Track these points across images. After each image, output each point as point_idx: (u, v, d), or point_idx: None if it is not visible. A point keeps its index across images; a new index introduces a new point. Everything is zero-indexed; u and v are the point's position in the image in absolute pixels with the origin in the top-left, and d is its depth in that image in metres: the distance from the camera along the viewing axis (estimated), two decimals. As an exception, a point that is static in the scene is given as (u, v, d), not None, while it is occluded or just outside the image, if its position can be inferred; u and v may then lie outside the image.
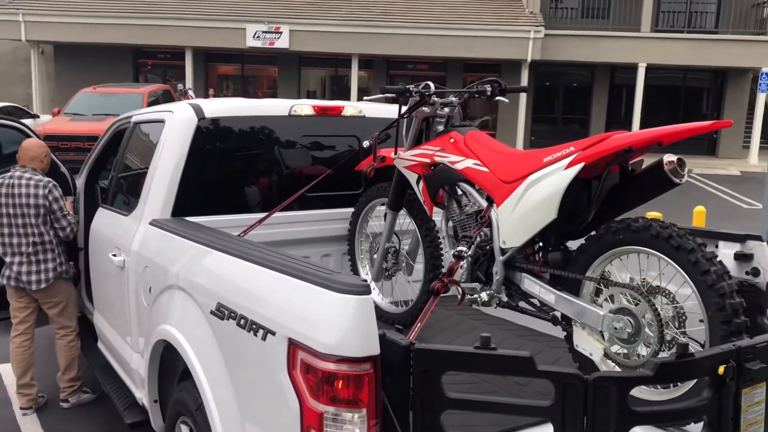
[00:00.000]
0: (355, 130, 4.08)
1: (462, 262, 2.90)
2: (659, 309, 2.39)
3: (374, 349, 1.93)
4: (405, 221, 3.71)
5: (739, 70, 22.95)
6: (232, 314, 2.43)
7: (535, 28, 21.17)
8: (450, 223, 3.26)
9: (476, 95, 3.38)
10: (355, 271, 3.98)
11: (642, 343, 2.42)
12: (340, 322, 1.93)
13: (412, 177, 3.31)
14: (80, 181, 5.15)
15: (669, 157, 2.51)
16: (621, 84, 24.09)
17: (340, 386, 1.92)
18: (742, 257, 2.90)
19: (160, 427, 3.40)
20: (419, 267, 3.61)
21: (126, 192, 4.11)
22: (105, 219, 4.27)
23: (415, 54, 21.94)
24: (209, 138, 3.68)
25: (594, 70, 23.96)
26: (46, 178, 4.40)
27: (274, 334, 2.16)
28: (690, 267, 2.30)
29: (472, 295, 2.94)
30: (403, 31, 21.35)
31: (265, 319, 2.22)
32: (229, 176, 3.77)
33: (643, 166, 2.63)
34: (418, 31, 21.35)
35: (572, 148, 2.60)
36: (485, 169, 2.95)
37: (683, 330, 2.43)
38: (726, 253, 2.95)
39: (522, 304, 2.91)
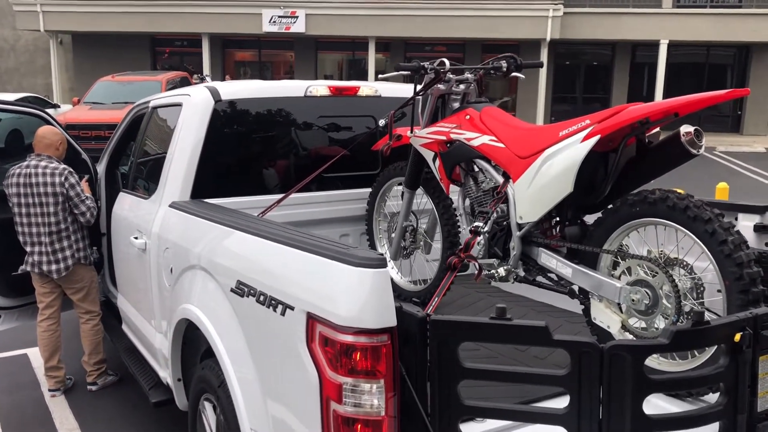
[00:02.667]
0: (371, 110, 4.09)
1: (479, 238, 2.91)
2: (677, 280, 2.39)
3: (391, 321, 1.95)
4: (422, 201, 3.72)
5: (764, 45, 22.54)
6: (252, 291, 2.46)
7: (554, 6, 20.94)
8: (467, 201, 3.27)
9: (492, 71, 3.37)
10: (374, 250, 4.00)
11: (660, 315, 2.42)
12: (357, 295, 1.96)
13: (428, 155, 3.32)
14: (101, 167, 5.22)
15: (686, 128, 2.49)
16: (642, 62, 23.78)
17: (358, 358, 1.95)
18: (762, 228, 2.88)
19: (185, 404, 3.47)
20: (437, 246, 3.63)
21: (146, 176, 4.17)
22: (126, 203, 4.33)
23: (432, 35, 21.81)
24: (226, 120, 3.71)
25: (614, 48, 23.67)
26: (62, 165, 4.45)
27: (293, 308, 2.19)
28: (707, 237, 2.29)
29: (489, 270, 2.95)
30: (420, 12, 21.23)
31: (283, 294, 2.25)
32: (246, 158, 3.81)
33: (660, 139, 2.62)
34: (436, 12, 21.21)
35: (588, 121, 2.60)
36: (501, 144, 2.94)
37: (701, 301, 2.42)
38: (746, 225, 2.93)
39: (539, 279, 2.92)
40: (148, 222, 3.67)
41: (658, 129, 2.67)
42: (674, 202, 2.38)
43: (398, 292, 3.87)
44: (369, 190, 3.98)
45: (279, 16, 21.63)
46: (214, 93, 3.67)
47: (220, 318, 2.71)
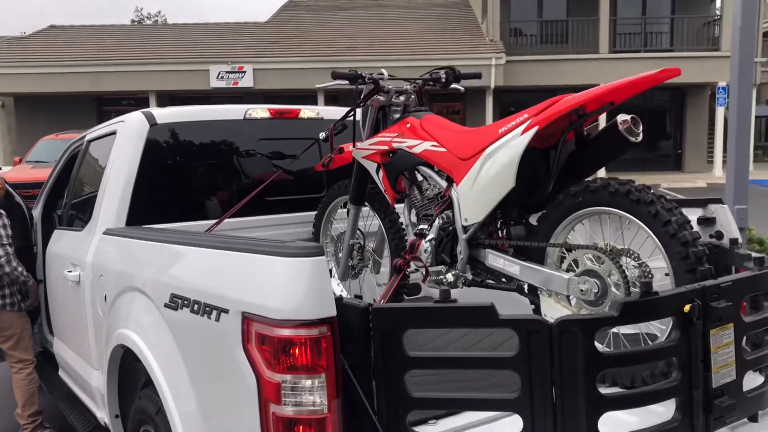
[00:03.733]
0: (313, 133, 4.02)
1: (423, 241, 2.84)
2: (624, 267, 2.35)
3: (330, 311, 1.84)
4: (369, 222, 3.64)
5: (697, 87, 23.53)
6: (185, 302, 2.33)
7: (496, 55, 21.53)
8: (413, 211, 3.21)
9: (431, 83, 3.36)
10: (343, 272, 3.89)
11: (609, 305, 2.37)
12: (293, 287, 1.85)
13: (371, 166, 3.26)
14: (37, 211, 5.01)
15: (623, 117, 2.50)
16: (584, 107, 24.46)
17: (297, 353, 1.83)
18: (705, 221, 2.88)
19: (123, 443, 3.25)
20: (386, 270, 3.54)
21: (81, 210, 4.00)
22: (60, 240, 4.14)
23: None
24: (162, 144, 3.61)
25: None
26: None
27: (227, 312, 2.07)
28: (650, 219, 2.27)
29: (437, 276, 2.88)
30: (367, 64, 21.56)
31: (216, 298, 2.13)
32: (184, 183, 3.69)
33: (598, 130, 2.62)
34: (382, 63, 21.52)
35: (526, 115, 2.58)
36: (442, 149, 2.91)
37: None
38: (689, 218, 2.92)
39: (489, 281, 2.85)
40: (82, 252, 3.50)
41: (597, 122, 2.67)
42: (616, 188, 2.36)
43: None
44: (315, 212, 3.89)
45: (227, 72, 21.70)
46: (149, 117, 3.58)
47: (154, 336, 2.56)
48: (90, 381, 3.52)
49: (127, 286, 2.86)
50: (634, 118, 2.50)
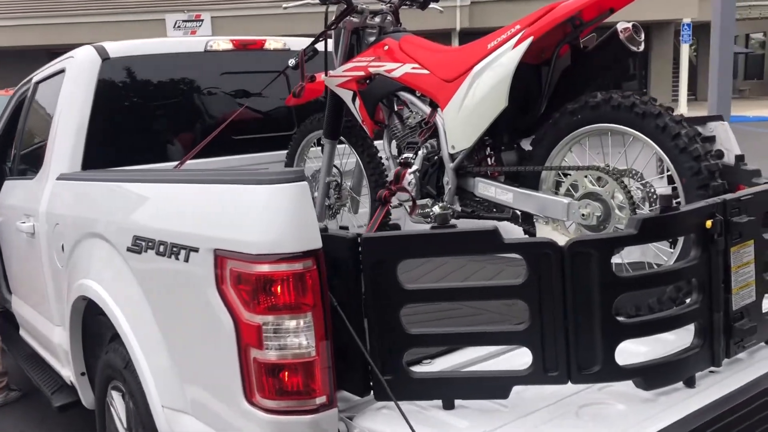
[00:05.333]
0: (280, 66, 3.74)
1: (409, 170, 2.62)
2: (629, 186, 2.17)
3: (315, 242, 1.63)
4: (346, 161, 3.40)
5: (662, 24, 23.38)
6: (150, 243, 2.09)
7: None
8: (393, 143, 2.98)
9: (408, 2, 3.10)
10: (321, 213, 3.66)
11: (614, 229, 2.20)
12: (272, 216, 1.63)
13: (346, 95, 3.01)
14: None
15: (623, 25, 2.29)
16: (550, 47, 24.21)
17: (279, 291, 1.62)
18: (704, 140, 2.71)
19: (91, 402, 3.03)
20: (366, 210, 3.32)
21: (31, 157, 3.69)
22: (11, 191, 3.84)
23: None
24: (117, 80, 3.31)
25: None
26: None
27: (197, 250, 1.84)
28: (658, 133, 2.08)
29: (423, 210, 2.68)
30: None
31: (185, 236, 1.90)
32: (142, 122, 3.41)
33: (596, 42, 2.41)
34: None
35: (518, 26, 2.36)
36: (425, 71, 2.67)
37: (656, 208, 2.21)
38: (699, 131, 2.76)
39: (480, 213, 2.66)
40: (35, 202, 3.21)
41: (593, 34, 2.46)
42: (619, 102, 2.16)
43: None
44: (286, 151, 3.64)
45: (183, 21, 20.90)
46: (101, 51, 3.27)
47: (118, 284, 2.32)
48: (52, 338, 3.28)
49: (85, 233, 2.61)
50: (636, 25, 2.29)
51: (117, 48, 3.32)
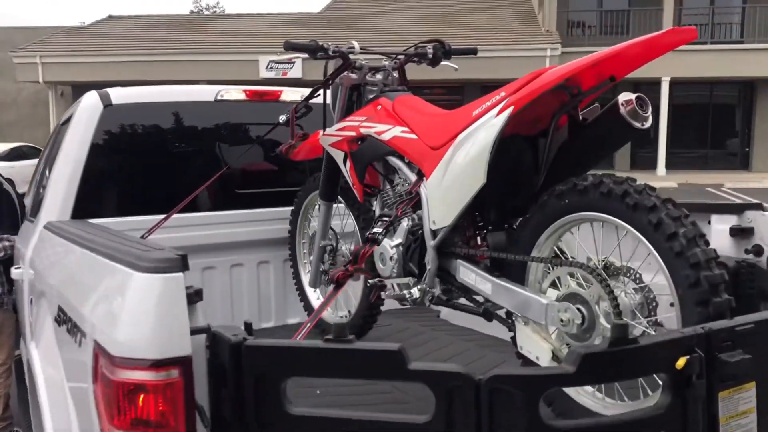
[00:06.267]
0: (297, 119, 3.55)
1: (377, 248, 2.32)
2: (618, 291, 1.80)
3: (183, 348, 1.36)
4: (346, 221, 3.15)
5: (768, 80, 22.05)
6: (65, 318, 1.89)
7: (551, 46, 20.65)
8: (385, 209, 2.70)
9: (415, 58, 2.84)
10: (298, 279, 3.42)
11: (599, 339, 1.82)
12: (137, 313, 1.38)
13: (338, 156, 2.76)
14: (29, 200, 4.70)
15: (626, 96, 1.94)
16: (646, 102, 23.29)
17: (141, 402, 1.36)
18: (740, 232, 2.28)
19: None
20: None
21: (37, 199, 3.64)
22: (23, 232, 3.79)
23: (429, 78, 21.47)
24: (118, 127, 3.20)
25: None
26: None
27: (85, 335, 1.62)
28: (651, 230, 1.71)
29: (400, 291, 2.37)
30: (417, 55, 20.96)
31: (80, 317, 1.68)
32: (143, 171, 3.27)
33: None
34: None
35: (503, 93, 2.05)
36: (413, 136, 2.39)
37: (654, 319, 1.82)
38: (720, 228, 2.34)
39: (463, 300, 2.32)
40: (25, 248, 3.13)
41: (596, 105, 2.12)
42: (609, 188, 1.80)
43: (321, 326, 3.27)
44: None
45: (275, 62, 21.45)
46: (104, 97, 3.17)
47: (46, 360, 2.13)
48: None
49: (40, 291, 2.46)
50: (641, 97, 1.93)
51: (121, 95, 3.22)
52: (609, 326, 1.77)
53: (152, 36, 23.17)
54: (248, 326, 1.52)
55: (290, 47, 2.61)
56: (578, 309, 1.84)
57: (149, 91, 3.35)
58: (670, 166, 21.26)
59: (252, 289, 3.47)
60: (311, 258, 3.29)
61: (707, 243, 1.69)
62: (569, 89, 2.02)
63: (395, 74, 2.79)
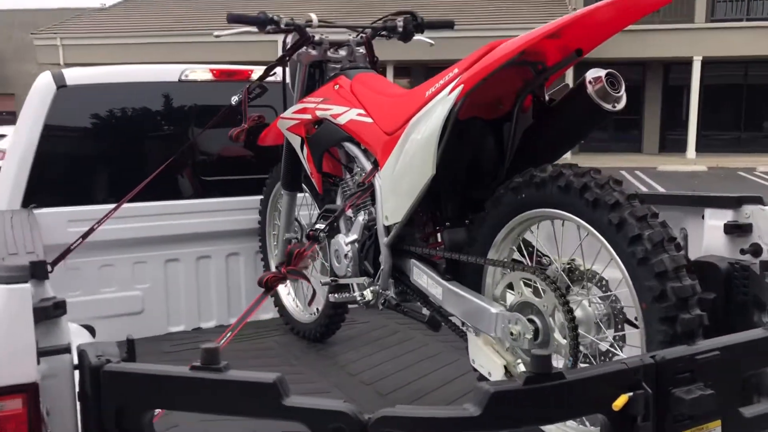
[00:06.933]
0: (269, 99, 3.31)
1: (314, 246, 2.08)
2: (581, 300, 1.55)
3: (26, 374, 1.15)
4: (314, 212, 2.92)
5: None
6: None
7: (578, 24, 20.07)
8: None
9: (383, 32, 2.58)
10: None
11: (555, 356, 1.57)
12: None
13: (295, 141, 2.53)
14: None
15: (594, 73, 1.67)
16: (676, 84, 22.60)
17: None
18: (736, 229, 2.00)
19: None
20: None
21: None
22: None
23: (450, 57, 21.04)
24: (73, 110, 2.99)
25: (645, 68, 22.58)
26: None
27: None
28: (612, 232, 1.45)
29: (353, 293, 2.15)
30: (447, 34, 20.47)
31: None
32: (100, 156, 3.07)
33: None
34: (451, 32, 20.45)
35: (456, 70, 1.79)
36: (369, 120, 2.15)
37: (620, 334, 1.57)
38: (713, 224, 2.05)
39: (418, 304, 2.08)
40: None
41: (566, 83, 1.85)
42: (568, 182, 1.54)
43: (291, 323, 3.06)
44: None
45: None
46: (58, 78, 2.96)
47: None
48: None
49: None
50: (613, 74, 1.66)
51: (77, 75, 3.01)
52: (564, 341, 1.52)
53: (173, 17, 23.06)
54: (130, 342, 1.31)
55: (234, 20, 2.36)
56: (531, 321, 1.59)
57: (108, 71, 3.15)
58: (700, 149, 20.61)
59: (220, 283, 3.27)
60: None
61: (678, 247, 1.42)
62: (533, 65, 1.76)
63: (361, 50, 2.54)
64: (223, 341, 1.80)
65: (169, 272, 3.15)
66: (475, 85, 1.68)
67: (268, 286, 1.96)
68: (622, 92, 1.65)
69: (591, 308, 1.60)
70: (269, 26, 2.41)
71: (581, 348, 1.58)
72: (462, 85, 1.69)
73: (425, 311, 2.02)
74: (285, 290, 3.12)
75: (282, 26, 2.44)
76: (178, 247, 3.15)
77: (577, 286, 1.66)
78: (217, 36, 2.57)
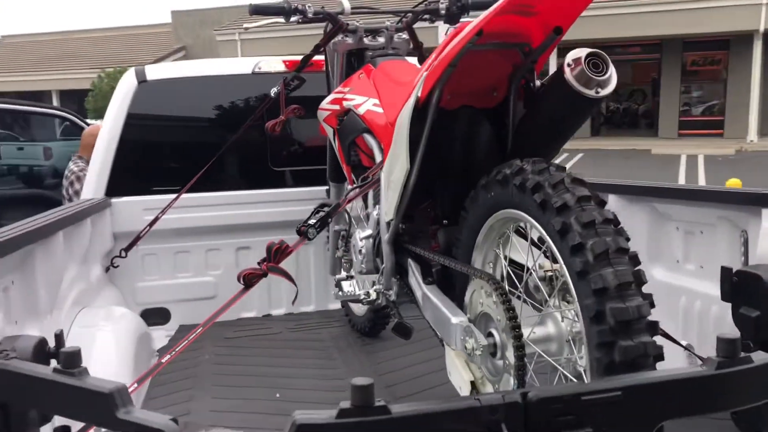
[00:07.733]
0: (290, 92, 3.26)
1: (303, 242, 2.00)
2: (549, 314, 1.36)
3: None
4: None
5: None
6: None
7: (770, -10, 17.99)
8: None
9: (425, 17, 2.44)
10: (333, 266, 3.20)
11: (509, 374, 1.40)
12: None
13: (330, 132, 2.48)
14: None
15: (574, 54, 1.45)
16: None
17: None
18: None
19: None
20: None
21: None
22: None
23: (624, 35, 19.73)
24: (153, 104, 3.17)
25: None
26: (77, 167, 4.14)
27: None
28: (557, 240, 1.24)
29: (355, 292, 2.07)
30: (610, 11, 19.31)
31: None
32: (180, 148, 3.23)
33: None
34: (628, 9, 19.16)
35: (434, 55, 1.64)
36: (380, 110, 2.04)
37: (580, 356, 1.36)
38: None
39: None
40: None
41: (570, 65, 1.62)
42: (524, 179, 1.35)
43: (349, 316, 3.02)
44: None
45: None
46: (139, 74, 3.15)
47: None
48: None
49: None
50: (596, 54, 1.43)
51: (157, 70, 3.18)
52: (511, 362, 1.34)
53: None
54: (57, 337, 1.34)
55: (255, 11, 2.34)
56: (489, 334, 1.42)
57: (186, 66, 3.29)
58: (764, 132, 18.01)
59: (290, 272, 3.29)
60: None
61: (635, 261, 1.19)
62: (520, 47, 1.57)
63: (403, 36, 2.42)
64: (192, 336, 1.79)
65: (240, 259, 3.24)
66: (442, 73, 1.52)
67: (246, 283, 1.93)
68: (609, 75, 1.41)
69: (564, 324, 1.40)
70: (294, 16, 2.37)
71: (561, 368, 1.39)
72: (426, 73, 1.54)
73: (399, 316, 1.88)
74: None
75: (309, 16, 2.38)
76: (250, 236, 3.23)
77: (558, 298, 1.46)
78: (246, 28, 2.57)
